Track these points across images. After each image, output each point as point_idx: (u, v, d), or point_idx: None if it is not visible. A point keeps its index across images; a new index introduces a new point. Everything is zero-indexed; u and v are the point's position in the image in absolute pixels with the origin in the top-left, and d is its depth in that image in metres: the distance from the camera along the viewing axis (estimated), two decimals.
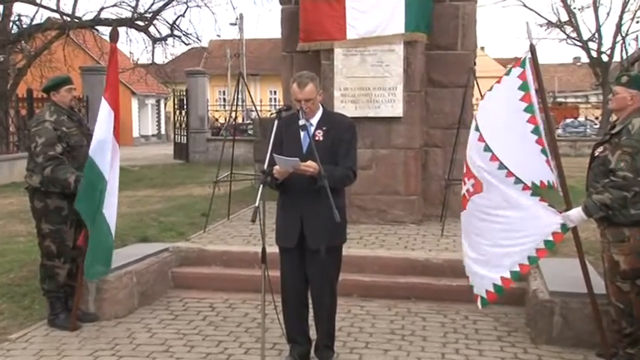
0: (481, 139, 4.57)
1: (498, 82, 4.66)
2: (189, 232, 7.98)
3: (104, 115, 4.96)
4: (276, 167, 4.12)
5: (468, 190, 4.67)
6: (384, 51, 8.16)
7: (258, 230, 4.05)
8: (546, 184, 4.51)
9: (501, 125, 4.53)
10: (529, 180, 4.46)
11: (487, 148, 4.52)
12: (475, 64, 8.85)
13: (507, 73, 4.61)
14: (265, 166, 4.08)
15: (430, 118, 8.65)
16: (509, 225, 4.51)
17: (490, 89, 4.72)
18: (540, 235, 4.46)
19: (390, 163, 8.31)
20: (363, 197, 8.31)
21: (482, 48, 51.30)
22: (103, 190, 4.94)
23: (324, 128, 4.30)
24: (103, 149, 4.92)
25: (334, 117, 4.47)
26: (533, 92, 4.47)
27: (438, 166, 8.63)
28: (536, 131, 4.43)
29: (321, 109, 4.37)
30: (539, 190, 4.51)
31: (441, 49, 8.55)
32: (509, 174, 4.47)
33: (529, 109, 4.45)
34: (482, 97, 8.19)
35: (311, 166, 4.09)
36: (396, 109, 8.19)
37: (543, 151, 4.45)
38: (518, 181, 4.46)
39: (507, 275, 4.59)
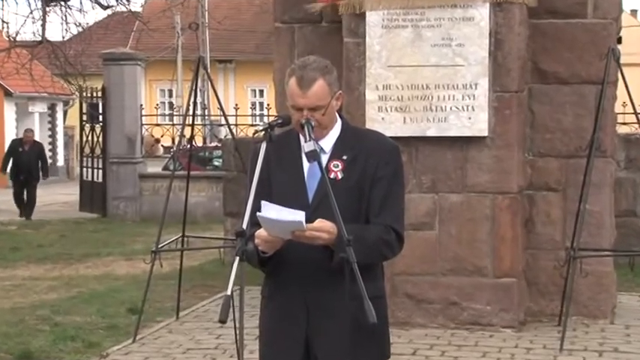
0: None
1: None
2: (106, 343, 8.01)
3: None
4: (261, 231, 4.14)
5: None
6: (454, 19, 8.30)
7: (230, 338, 4.07)
8: None
9: None
10: None
11: None
12: (620, 41, 8.90)
13: None
14: (244, 225, 4.09)
15: (538, 137, 8.76)
16: None
17: None
18: None
19: (465, 220, 8.39)
20: (419, 280, 8.38)
21: (634, 13, 51.58)
22: None
23: (344, 157, 4.33)
24: None
25: (363, 137, 4.50)
26: None
27: (555, 225, 8.71)
28: None
29: (339, 122, 4.42)
30: None
31: (557, 17, 8.70)
32: None
33: None
34: (631, 99, 8.31)
35: (323, 229, 4.10)
36: (477, 124, 8.31)
37: None
38: None
39: None
